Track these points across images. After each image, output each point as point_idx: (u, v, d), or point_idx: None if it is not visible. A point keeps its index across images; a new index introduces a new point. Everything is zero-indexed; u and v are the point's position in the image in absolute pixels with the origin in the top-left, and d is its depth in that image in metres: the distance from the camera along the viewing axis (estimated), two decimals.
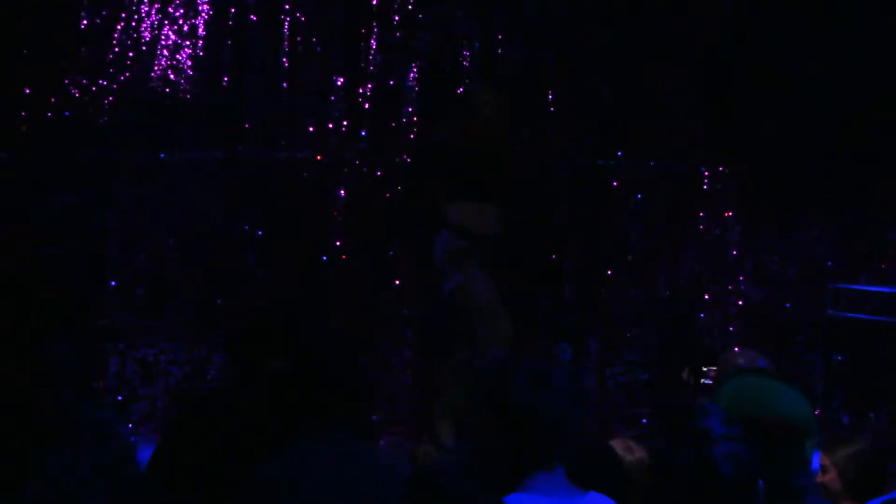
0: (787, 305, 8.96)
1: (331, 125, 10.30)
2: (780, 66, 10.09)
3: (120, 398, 9.33)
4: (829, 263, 10.04)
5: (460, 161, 8.23)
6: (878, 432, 9.66)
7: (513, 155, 8.42)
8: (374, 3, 10.32)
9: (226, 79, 10.12)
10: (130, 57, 9.80)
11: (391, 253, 10.34)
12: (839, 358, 9.97)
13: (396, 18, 10.37)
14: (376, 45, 10.35)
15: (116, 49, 9.77)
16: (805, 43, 10.23)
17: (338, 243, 10.19)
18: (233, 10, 10.11)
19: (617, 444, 5.37)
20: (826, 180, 10.37)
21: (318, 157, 10.23)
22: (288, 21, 10.20)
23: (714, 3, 10.30)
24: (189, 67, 9.98)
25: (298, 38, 10.24)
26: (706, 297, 10.55)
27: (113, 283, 9.62)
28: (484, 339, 7.72)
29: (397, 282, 10.30)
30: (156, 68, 9.89)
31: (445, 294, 8.32)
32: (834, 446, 5.72)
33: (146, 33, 9.86)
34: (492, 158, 8.21)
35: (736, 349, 7.49)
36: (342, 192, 10.25)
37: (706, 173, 10.34)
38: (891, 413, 9.68)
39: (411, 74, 10.40)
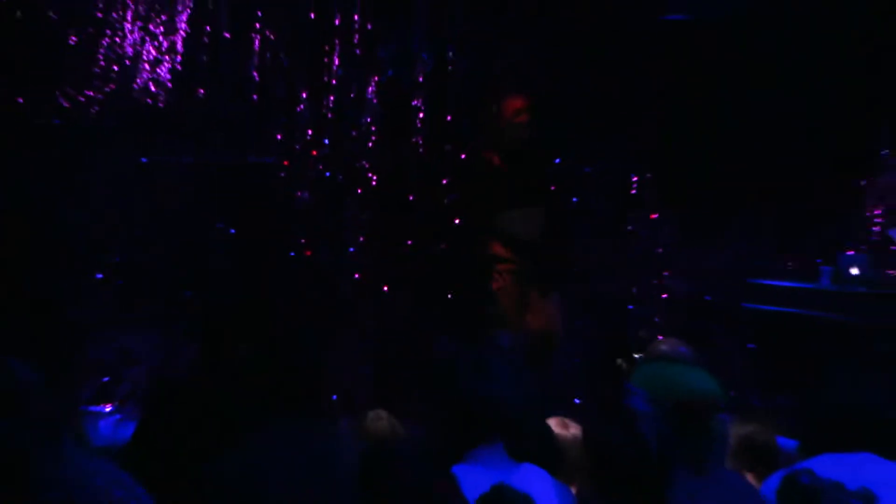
0: (708, 298, 9.13)
1: (296, 133, 10.42)
2: (709, 87, 10.22)
3: (106, 379, 9.34)
4: (745, 262, 10.13)
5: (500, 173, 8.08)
6: (786, 412, 9.81)
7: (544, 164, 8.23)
8: (337, 22, 10.37)
9: (201, 91, 10.15)
10: (115, 70, 9.82)
11: (351, 250, 10.48)
12: (752, 346, 10.13)
13: (356, 37, 10.43)
14: (338, 60, 10.42)
15: (102, 63, 9.74)
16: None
17: (302, 241, 10.31)
18: (208, 29, 10.12)
19: (553, 422, 5.45)
20: (744, 190, 10.52)
21: (285, 163, 10.32)
22: (258, 38, 10.26)
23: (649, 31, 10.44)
24: (168, 80, 10.00)
25: (267, 55, 10.29)
26: (635, 291, 10.68)
27: (99, 275, 9.66)
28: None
29: (356, 275, 10.45)
30: (138, 81, 9.89)
31: None
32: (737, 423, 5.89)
33: (129, 49, 9.87)
34: (525, 168, 8.01)
35: (660, 338, 7.58)
36: (306, 193, 10.41)
37: (635, 179, 10.47)
38: (798, 395, 9.78)
39: (370, 88, 10.49)
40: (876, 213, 11.18)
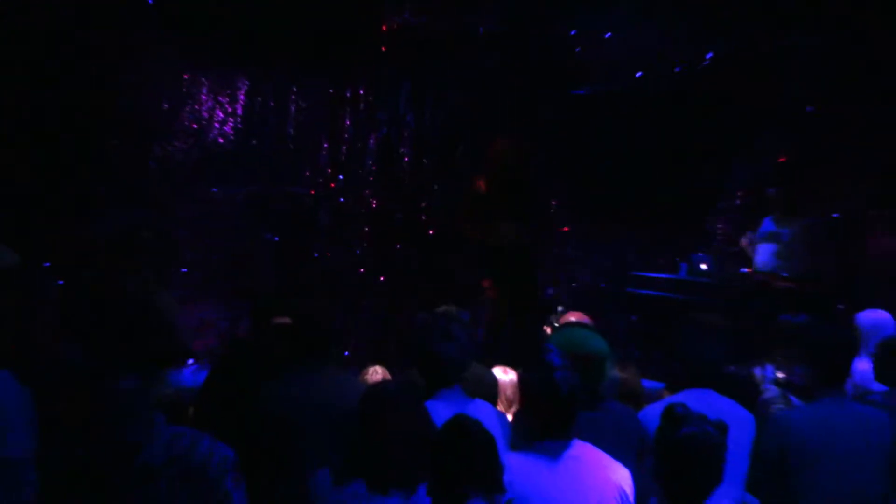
0: (603, 285, 9.15)
1: (319, 171, 10.38)
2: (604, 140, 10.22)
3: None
4: (628, 259, 10.14)
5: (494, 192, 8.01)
6: (657, 364, 9.82)
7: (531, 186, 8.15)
8: (348, 94, 10.40)
9: (254, 141, 10.12)
10: (194, 128, 9.82)
11: (357, 252, 10.46)
12: (634, 318, 10.13)
13: (362, 105, 10.46)
14: (349, 121, 10.43)
15: (185, 122, 9.75)
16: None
17: (323, 244, 10.36)
18: (258, 99, 10.09)
19: (497, 370, 5.48)
20: (627, 210, 10.56)
21: (311, 192, 10.33)
22: (294, 106, 10.25)
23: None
24: (230, 134, 9.97)
25: (300, 116, 10.26)
26: (553, 279, 10.70)
27: (184, 269, 9.65)
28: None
29: (361, 270, 10.47)
30: (210, 135, 9.88)
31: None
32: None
33: (205, 112, 9.85)
34: (516, 190, 7.94)
35: (570, 312, 7.55)
36: (327, 213, 10.39)
37: (553, 203, 10.49)
38: (664, 351, 9.77)
39: (371, 139, 10.51)
40: (718, 226, 11.25)
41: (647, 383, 8.40)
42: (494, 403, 4.80)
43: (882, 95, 9.58)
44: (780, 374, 5.44)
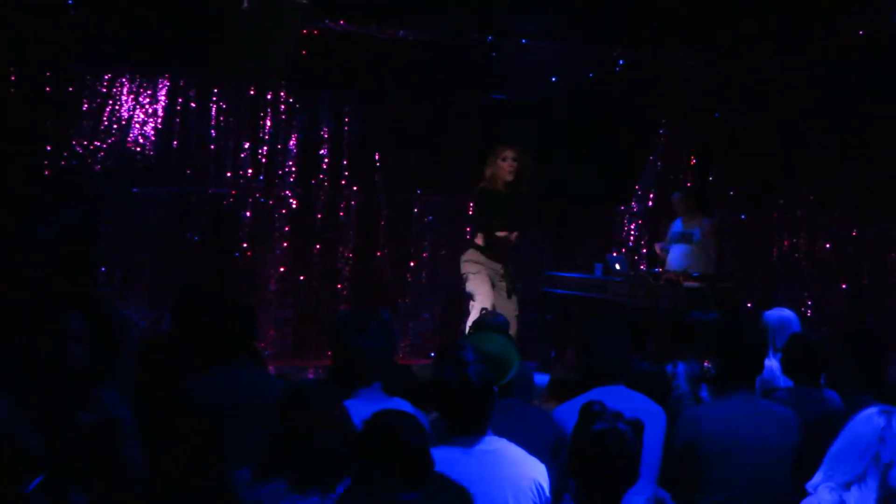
0: (520, 286, 9.17)
1: (241, 171, 10.32)
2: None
3: None
4: (545, 260, 10.19)
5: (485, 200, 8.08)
6: (568, 362, 9.90)
7: (524, 196, 8.22)
8: (269, 97, 10.36)
9: (175, 142, 10.03)
10: (115, 129, 9.70)
11: (278, 251, 10.41)
12: (550, 317, 10.17)
13: (282, 107, 10.42)
14: (270, 123, 10.39)
15: (105, 122, 9.63)
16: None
17: (244, 245, 10.29)
18: (180, 100, 10.02)
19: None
20: (546, 213, 10.62)
21: (233, 192, 10.28)
22: (215, 107, 10.19)
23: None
24: (152, 135, 9.88)
25: (221, 118, 10.21)
26: None
27: (103, 269, 9.56)
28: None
29: (282, 269, 10.41)
30: (131, 136, 9.77)
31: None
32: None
33: (125, 114, 9.75)
34: (508, 199, 8.03)
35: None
36: (248, 213, 10.34)
37: (471, 204, 10.50)
38: (575, 349, 9.85)
39: (291, 142, 10.46)
40: (631, 228, 11.38)
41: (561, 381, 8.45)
42: (414, 401, 4.76)
43: (778, 102, 9.77)
44: (690, 369, 5.49)
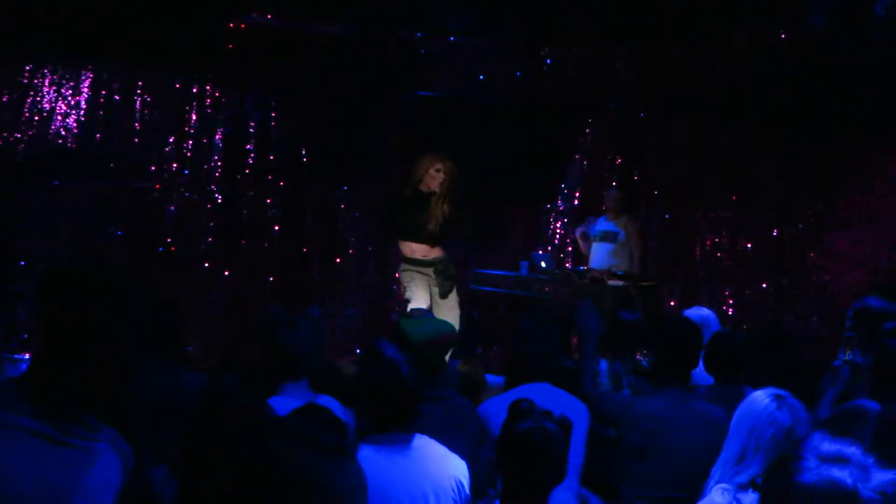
0: (451, 284, 9.15)
1: (165, 166, 10.17)
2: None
3: (25, 336, 9.16)
4: (473, 257, 10.22)
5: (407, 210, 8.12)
6: (496, 357, 9.96)
7: (444, 206, 8.25)
8: (195, 90, 10.21)
9: (98, 135, 9.86)
10: (36, 120, 9.51)
11: (203, 247, 10.30)
12: (476, 314, 10.18)
13: (208, 101, 10.28)
14: (195, 117, 10.24)
15: (27, 114, 9.46)
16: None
17: (168, 239, 10.14)
18: (104, 92, 9.84)
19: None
20: (471, 205, 10.60)
21: (157, 186, 10.11)
22: (139, 100, 10.01)
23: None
24: (74, 127, 9.70)
25: (146, 111, 10.03)
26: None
27: (22, 262, 9.41)
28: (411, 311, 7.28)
29: (207, 264, 10.30)
30: (52, 127, 9.57)
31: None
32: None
33: (47, 105, 9.56)
34: (428, 209, 8.07)
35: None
36: (172, 207, 10.20)
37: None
38: (504, 345, 9.90)
39: (217, 136, 10.33)
40: (556, 226, 11.45)
41: (490, 378, 8.50)
42: (342, 398, 4.75)
43: (701, 103, 9.89)
44: (612, 367, 5.54)
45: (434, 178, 8.13)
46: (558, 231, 11.43)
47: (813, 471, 1.80)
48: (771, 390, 3.51)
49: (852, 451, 1.83)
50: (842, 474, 1.77)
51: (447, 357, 4.55)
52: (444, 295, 8.24)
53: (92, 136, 9.87)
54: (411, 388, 3.69)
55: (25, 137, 9.51)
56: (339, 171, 10.71)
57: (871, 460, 1.82)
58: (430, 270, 8.24)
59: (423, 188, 8.16)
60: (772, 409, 3.42)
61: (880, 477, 1.79)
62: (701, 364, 4.92)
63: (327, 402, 4.07)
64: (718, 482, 3.47)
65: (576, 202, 11.29)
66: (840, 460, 1.81)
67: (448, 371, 4.88)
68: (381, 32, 9.57)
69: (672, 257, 10.80)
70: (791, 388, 3.64)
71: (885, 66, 8.44)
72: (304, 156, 10.67)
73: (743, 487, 3.33)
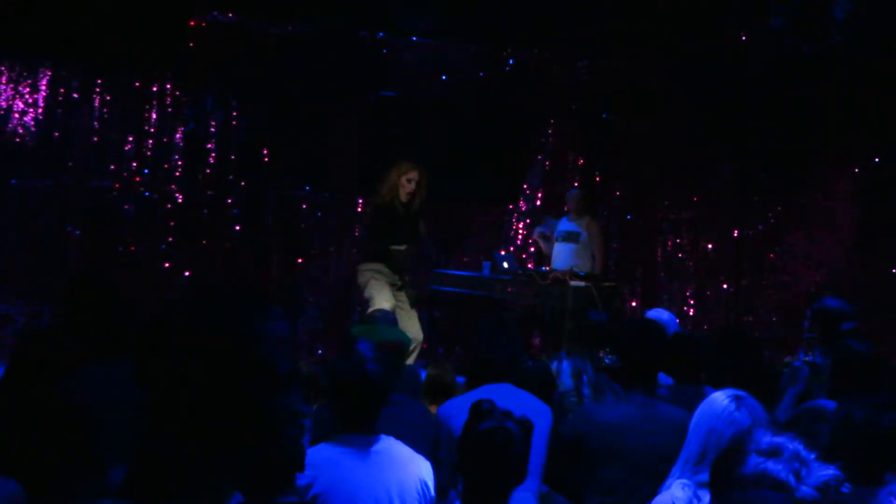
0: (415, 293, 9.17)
1: (125, 165, 10.09)
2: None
3: None
4: (432, 257, 10.22)
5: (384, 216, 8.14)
6: (456, 359, 9.93)
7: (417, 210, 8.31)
8: (155, 89, 10.15)
9: (56, 134, 9.79)
10: None
11: (163, 246, 10.25)
12: (437, 315, 10.20)
13: (168, 100, 10.22)
14: (156, 115, 10.18)
15: None
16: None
17: (127, 240, 10.09)
18: (62, 90, 9.76)
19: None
20: (433, 205, 10.64)
21: (117, 186, 10.04)
22: (98, 98, 9.93)
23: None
24: (32, 126, 9.63)
25: (105, 110, 9.96)
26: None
27: None
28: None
29: (166, 264, 10.23)
30: (9, 125, 9.51)
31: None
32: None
33: (4, 103, 9.49)
34: (403, 216, 8.18)
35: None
36: (132, 206, 10.12)
37: (360, 201, 10.52)
38: (466, 346, 9.91)
39: (177, 135, 10.27)
40: (519, 227, 11.49)
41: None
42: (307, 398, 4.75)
43: (662, 105, 9.98)
44: (574, 367, 5.56)
45: (404, 187, 8.17)
46: (521, 231, 11.46)
47: (750, 465, 1.87)
48: (730, 391, 3.54)
49: (792, 446, 1.90)
50: (776, 468, 1.84)
51: (409, 361, 4.54)
52: (413, 304, 8.33)
53: (50, 134, 9.80)
54: (382, 389, 3.71)
55: None
56: (301, 170, 10.67)
57: (812, 456, 1.88)
58: (396, 278, 8.29)
59: (393, 197, 8.20)
60: (731, 410, 3.44)
61: (820, 472, 1.85)
62: None
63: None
64: (679, 477, 3.49)
65: (538, 202, 11.33)
66: (776, 454, 1.88)
67: (406, 376, 4.88)
68: (344, 32, 9.56)
69: (633, 258, 10.87)
70: (750, 388, 3.67)
71: (843, 67, 8.54)
72: (266, 155, 10.61)
73: (703, 486, 3.34)
